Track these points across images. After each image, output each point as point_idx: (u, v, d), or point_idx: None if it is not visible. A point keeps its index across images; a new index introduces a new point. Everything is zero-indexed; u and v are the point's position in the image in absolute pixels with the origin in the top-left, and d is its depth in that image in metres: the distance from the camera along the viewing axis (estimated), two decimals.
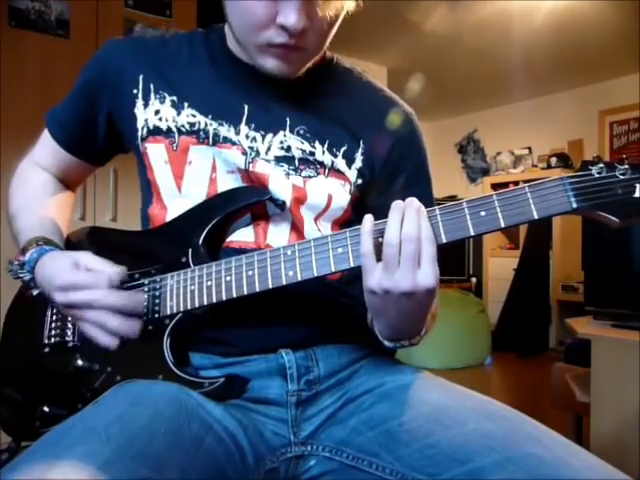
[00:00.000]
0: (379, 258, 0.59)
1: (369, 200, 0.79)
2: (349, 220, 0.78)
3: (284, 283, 0.63)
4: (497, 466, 0.56)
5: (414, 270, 0.57)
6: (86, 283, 0.67)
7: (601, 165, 0.56)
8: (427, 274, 0.57)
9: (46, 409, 0.73)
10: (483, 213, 0.58)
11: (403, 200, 0.60)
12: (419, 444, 0.62)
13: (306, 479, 0.71)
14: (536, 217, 0.57)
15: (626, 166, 0.56)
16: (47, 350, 0.75)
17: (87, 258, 0.70)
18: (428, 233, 0.58)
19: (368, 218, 0.60)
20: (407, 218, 0.58)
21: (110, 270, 0.68)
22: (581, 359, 1.92)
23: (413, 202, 0.59)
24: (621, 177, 0.56)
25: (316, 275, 0.62)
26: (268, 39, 0.65)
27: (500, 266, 4.84)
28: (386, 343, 0.68)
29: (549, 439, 0.59)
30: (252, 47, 0.68)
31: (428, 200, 0.81)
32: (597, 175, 0.56)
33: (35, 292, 0.74)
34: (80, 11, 2.24)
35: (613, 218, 0.56)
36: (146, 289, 0.71)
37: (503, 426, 0.61)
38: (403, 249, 0.57)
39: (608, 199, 0.56)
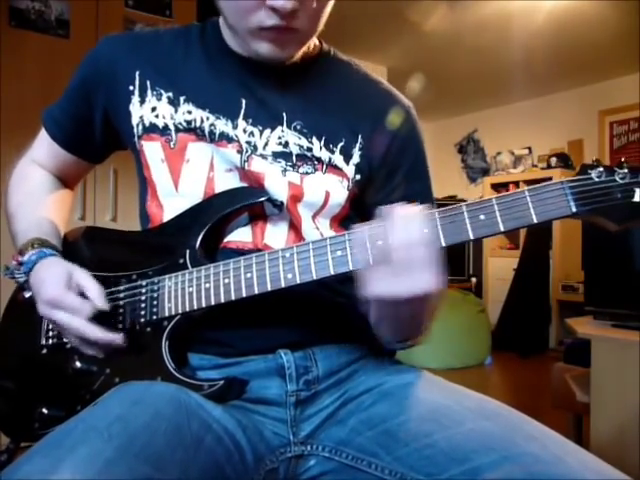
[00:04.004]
0: (381, 263, 0.57)
1: (369, 196, 0.78)
2: (347, 216, 0.78)
3: (283, 286, 0.63)
4: (495, 465, 0.56)
5: (422, 274, 0.55)
6: (70, 306, 0.67)
7: (600, 169, 0.56)
8: (434, 277, 0.56)
9: (45, 410, 0.72)
10: (482, 217, 0.58)
11: (404, 195, 0.58)
12: (418, 444, 0.62)
13: (306, 479, 0.71)
14: (535, 221, 0.56)
15: (625, 170, 0.55)
16: (45, 351, 0.75)
17: (81, 276, 0.69)
18: (430, 236, 0.56)
19: (366, 225, 0.59)
20: (407, 223, 0.56)
21: (97, 302, 0.68)
22: (581, 359, 1.91)
23: (410, 207, 0.58)
24: (620, 181, 0.55)
25: (315, 278, 0.62)
26: (259, 22, 0.64)
27: (500, 266, 4.84)
28: (389, 347, 0.67)
29: (546, 437, 0.59)
30: (245, 33, 0.67)
31: (427, 195, 0.80)
32: (596, 179, 0.56)
33: (27, 295, 0.73)
34: (80, 11, 2.24)
35: (612, 222, 0.56)
36: (144, 290, 0.71)
37: (501, 425, 0.61)
38: (408, 254, 0.55)
39: (607, 203, 0.55)
